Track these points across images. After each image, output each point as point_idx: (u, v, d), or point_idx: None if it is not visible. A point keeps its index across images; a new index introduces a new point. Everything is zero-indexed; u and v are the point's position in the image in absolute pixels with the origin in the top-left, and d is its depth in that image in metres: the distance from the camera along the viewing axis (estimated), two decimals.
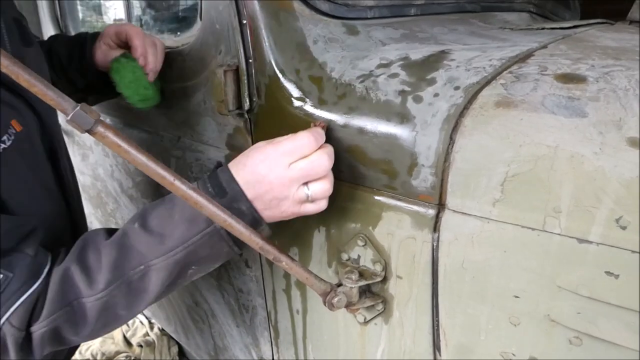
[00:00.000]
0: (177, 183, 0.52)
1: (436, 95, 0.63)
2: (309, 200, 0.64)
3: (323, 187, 0.64)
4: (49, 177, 0.80)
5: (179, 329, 1.45)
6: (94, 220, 1.60)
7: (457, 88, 0.62)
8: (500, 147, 0.55)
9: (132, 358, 1.56)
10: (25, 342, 0.64)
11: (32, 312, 0.62)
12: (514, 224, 0.55)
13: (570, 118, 0.53)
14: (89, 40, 0.97)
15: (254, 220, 0.64)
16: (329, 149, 0.64)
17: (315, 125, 0.68)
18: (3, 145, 0.65)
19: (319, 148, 0.63)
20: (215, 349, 1.29)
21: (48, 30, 1.46)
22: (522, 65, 0.65)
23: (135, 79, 0.86)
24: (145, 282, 0.65)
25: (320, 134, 0.64)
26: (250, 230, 0.58)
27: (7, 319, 0.60)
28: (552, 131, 0.53)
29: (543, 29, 0.92)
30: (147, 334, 1.60)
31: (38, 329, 0.63)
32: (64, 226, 0.77)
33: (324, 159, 0.62)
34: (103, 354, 1.57)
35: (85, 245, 0.67)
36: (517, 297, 0.57)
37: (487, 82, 0.62)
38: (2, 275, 0.60)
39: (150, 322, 1.66)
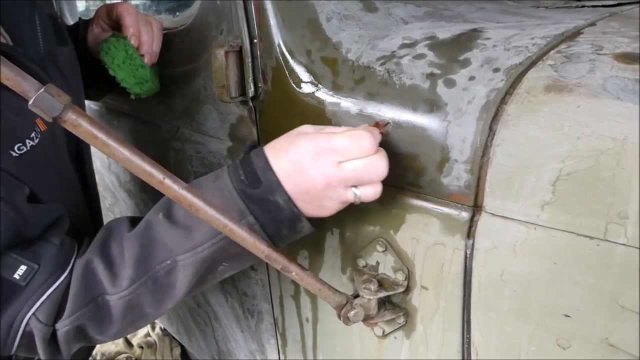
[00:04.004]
0: (167, 182, 0.43)
1: (472, 78, 0.54)
2: (357, 202, 0.56)
3: (375, 192, 0.55)
4: (73, 178, 0.78)
5: (181, 330, 1.38)
6: None
7: (496, 70, 0.53)
8: (553, 140, 0.46)
9: (133, 359, 1.50)
10: (52, 339, 0.60)
11: (59, 307, 0.59)
12: (567, 231, 0.47)
13: None
14: (81, 27, 0.88)
15: (293, 216, 0.56)
16: (384, 153, 0.54)
17: (375, 124, 0.58)
18: (31, 143, 0.63)
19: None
20: (218, 353, 1.22)
21: None
22: (572, 44, 0.55)
23: (128, 57, 0.77)
24: (172, 278, 0.60)
25: (378, 137, 0.55)
26: (255, 237, 0.49)
27: (34, 313, 0.57)
28: (618, 120, 0.44)
29: (583, 6, 0.82)
30: (148, 335, 1.53)
31: (62, 327, 0.60)
32: (86, 227, 0.74)
33: (382, 163, 0.53)
34: (103, 354, 1.51)
35: (108, 235, 0.63)
36: (568, 316, 0.49)
37: (533, 62, 0.53)
38: (27, 267, 0.57)
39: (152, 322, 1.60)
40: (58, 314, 0.60)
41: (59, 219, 0.65)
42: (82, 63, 0.86)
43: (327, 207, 0.56)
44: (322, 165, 0.52)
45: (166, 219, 0.60)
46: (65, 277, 0.60)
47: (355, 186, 0.54)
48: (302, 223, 0.57)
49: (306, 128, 0.56)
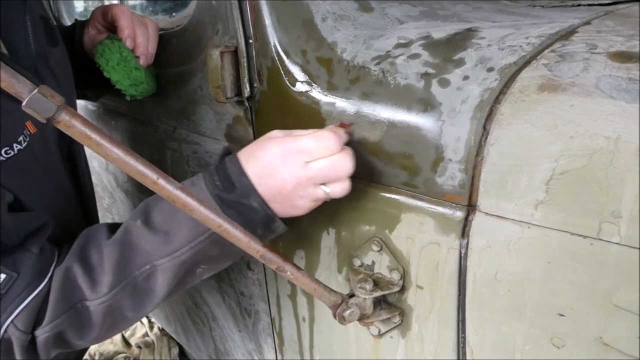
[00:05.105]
0: (161, 182, 0.44)
1: (466, 78, 0.54)
2: (328, 199, 0.58)
3: (343, 188, 0.57)
4: (65, 179, 0.77)
5: (179, 330, 1.38)
6: None
7: (490, 70, 0.53)
8: (546, 139, 0.46)
9: (132, 359, 1.50)
10: (30, 346, 0.61)
11: (38, 314, 0.59)
12: (561, 230, 0.47)
13: (634, 104, 0.44)
14: (77, 28, 0.88)
15: (266, 217, 0.58)
16: (350, 151, 0.57)
17: (340, 125, 0.60)
18: (18, 147, 0.62)
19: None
20: (216, 352, 1.22)
21: None
22: (566, 43, 0.55)
23: (123, 59, 0.77)
24: (152, 283, 0.61)
25: (344, 137, 0.57)
26: (250, 237, 0.49)
27: (12, 321, 0.58)
28: (611, 119, 0.44)
29: (579, 5, 0.82)
30: (146, 334, 1.53)
31: (42, 334, 0.60)
32: (79, 228, 0.75)
33: (347, 161, 0.55)
34: (101, 354, 1.50)
35: (87, 242, 0.64)
36: (563, 315, 0.49)
37: (527, 62, 0.53)
38: (5, 275, 0.58)
39: (150, 322, 1.60)
40: (37, 321, 0.60)
41: (39, 227, 0.65)
42: (79, 64, 0.86)
43: (299, 206, 0.58)
44: (290, 166, 0.55)
45: (144, 225, 0.61)
46: (45, 285, 0.60)
47: (324, 184, 0.56)
48: (276, 223, 0.59)
49: (275, 133, 0.59)
